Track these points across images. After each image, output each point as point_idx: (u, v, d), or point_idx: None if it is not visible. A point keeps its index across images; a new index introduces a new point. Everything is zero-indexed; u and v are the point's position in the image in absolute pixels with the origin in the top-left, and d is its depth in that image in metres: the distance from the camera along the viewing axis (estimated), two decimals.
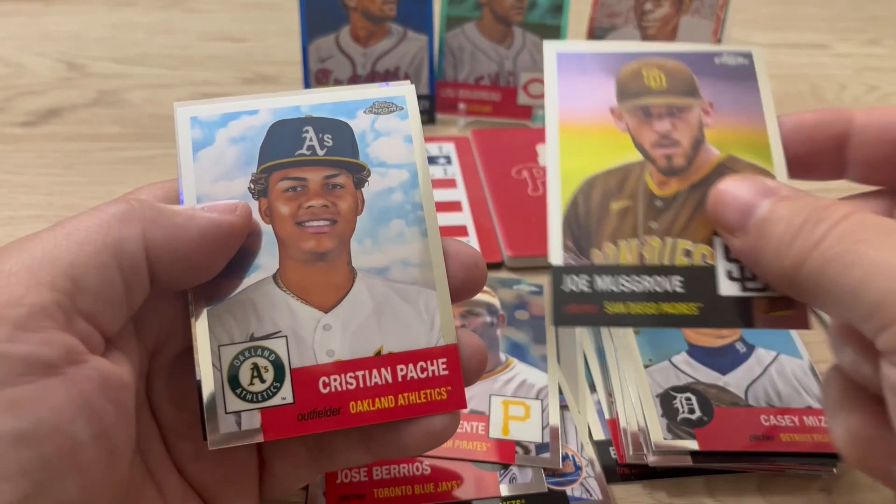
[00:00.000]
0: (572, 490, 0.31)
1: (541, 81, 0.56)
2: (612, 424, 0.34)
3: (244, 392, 0.25)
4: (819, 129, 0.27)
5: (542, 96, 0.56)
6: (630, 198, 0.27)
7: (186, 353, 0.26)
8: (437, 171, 0.50)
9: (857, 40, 0.74)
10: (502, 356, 0.36)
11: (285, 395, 0.25)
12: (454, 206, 0.47)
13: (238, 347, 0.25)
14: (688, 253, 0.27)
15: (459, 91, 0.56)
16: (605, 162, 0.28)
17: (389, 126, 0.28)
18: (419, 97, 0.55)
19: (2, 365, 0.19)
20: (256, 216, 0.26)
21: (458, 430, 0.32)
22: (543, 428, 0.33)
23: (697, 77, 0.29)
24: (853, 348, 0.23)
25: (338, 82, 0.54)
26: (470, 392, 0.34)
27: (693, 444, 0.31)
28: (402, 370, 0.26)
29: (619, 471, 0.32)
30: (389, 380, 0.25)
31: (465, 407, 0.26)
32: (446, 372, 0.26)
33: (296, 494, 0.31)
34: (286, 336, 0.25)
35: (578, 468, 0.32)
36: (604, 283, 0.26)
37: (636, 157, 0.28)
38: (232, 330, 0.25)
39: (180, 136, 0.27)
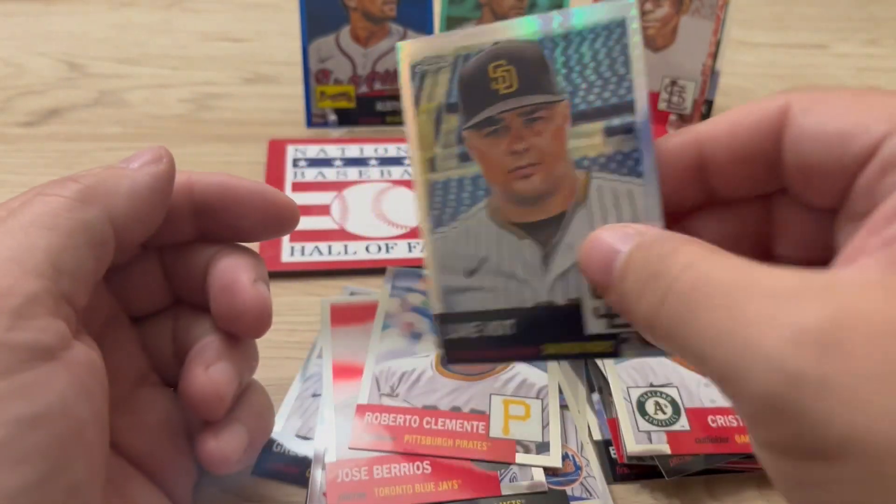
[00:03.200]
0: (572, 489, 0.31)
1: None
2: (612, 424, 0.34)
3: (651, 418, 0.33)
4: (673, 168, 0.23)
5: None
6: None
7: (110, 323, 0.27)
8: None
9: (856, 40, 0.74)
10: None
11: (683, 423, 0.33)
12: None
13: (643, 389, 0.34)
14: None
15: None
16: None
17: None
18: None
19: (7, 354, 0.19)
20: None
21: (459, 430, 0.33)
22: (543, 427, 0.33)
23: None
24: None
25: (338, 82, 0.54)
26: (470, 391, 0.34)
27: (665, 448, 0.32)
28: None
29: (619, 470, 0.32)
30: None
31: None
32: None
33: (296, 494, 0.31)
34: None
35: (578, 468, 0.32)
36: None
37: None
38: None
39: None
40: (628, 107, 0.23)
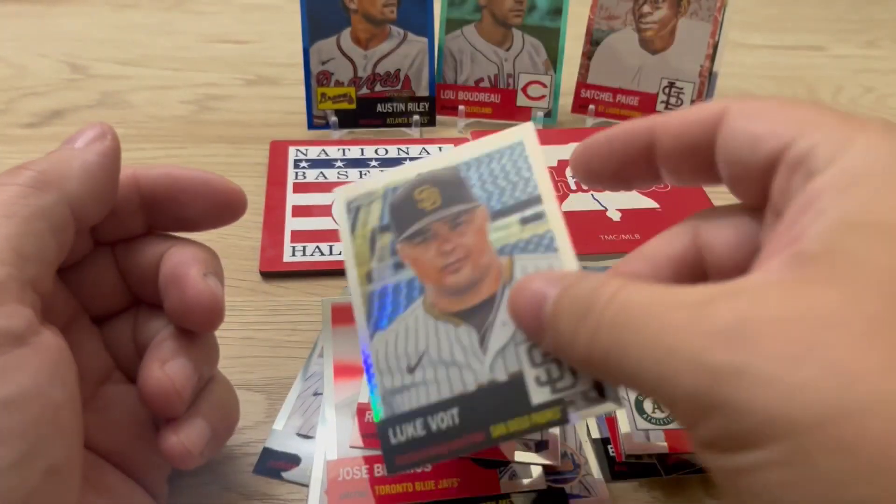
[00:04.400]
0: (571, 488, 0.31)
1: (541, 84, 0.56)
2: (611, 423, 0.34)
3: (649, 417, 0.33)
4: (626, 144, 0.25)
5: (542, 97, 0.57)
6: None
7: (72, 323, 0.27)
8: None
9: (854, 42, 0.75)
10: None
11: None
12: None
13: None
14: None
15: (459, 93, 0.57)
16: None
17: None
18: (419, 99, 0.55)
19: None
20: None
21: None
22: None
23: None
24: None
25: (339, 84, 0.54)
26: None
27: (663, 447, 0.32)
28: None
29: (618, 468, 0.33)
30: None
31: None
32: None
33: (297, 492, 0.31)
34: None
35: (577, 466, 0.32)
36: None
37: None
38: None
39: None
40: (536, 200, 0.27)
